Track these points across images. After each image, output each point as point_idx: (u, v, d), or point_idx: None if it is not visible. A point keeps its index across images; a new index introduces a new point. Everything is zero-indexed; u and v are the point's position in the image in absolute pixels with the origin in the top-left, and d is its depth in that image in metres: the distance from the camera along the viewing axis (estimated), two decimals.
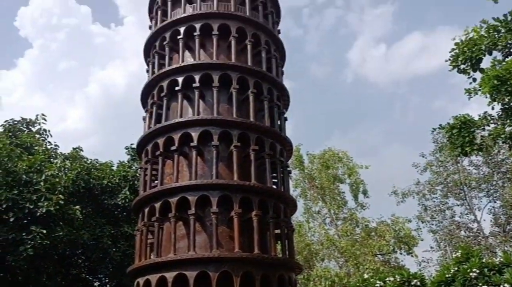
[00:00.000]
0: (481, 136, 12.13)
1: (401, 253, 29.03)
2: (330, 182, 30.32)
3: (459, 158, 26.44)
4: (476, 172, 27.44)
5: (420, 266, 29.79)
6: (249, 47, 11.97)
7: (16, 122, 18.70)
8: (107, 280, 19.01)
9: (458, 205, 27.98)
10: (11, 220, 13.64)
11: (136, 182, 18.59)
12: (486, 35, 10.75)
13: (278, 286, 7.94)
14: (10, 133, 17.48)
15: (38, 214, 13.84)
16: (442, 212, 28.35)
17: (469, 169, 27.75)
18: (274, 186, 9.83)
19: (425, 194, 29.10)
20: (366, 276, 18.06)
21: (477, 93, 11.12)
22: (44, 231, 13.53)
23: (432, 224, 29.15)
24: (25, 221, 14.00)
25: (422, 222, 29.25)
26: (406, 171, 35.24)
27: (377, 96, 72.22)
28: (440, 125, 12.03)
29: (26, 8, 68.64)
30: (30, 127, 19.21)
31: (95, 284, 19.86)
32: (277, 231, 9.03)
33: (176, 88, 11.21)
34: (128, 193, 18.73)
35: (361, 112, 68.71)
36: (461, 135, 11.16)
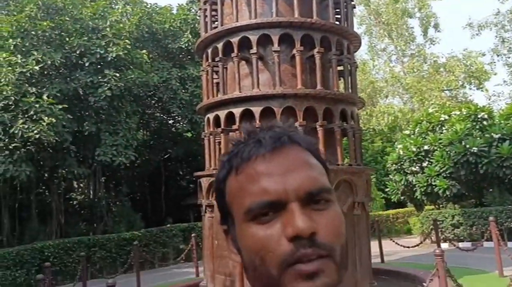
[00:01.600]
0: None
1: (470, 88, 28.18)
2: (398, 16, 28.44)
3: None
4: None
5: (489, 100, 28.97)
6: None
7: None
8: (179, 118, 20.60)
9: None
10: (86, 65, 14.66)
11: (196, 25, 18.55)
12: None
13: (341, 120, 8.20)
14: None
15: (109, 58, 14.64)
16: None
17: None
18: (337, 22, 9.43)
19: (505, 25, 26.72)
20: (430, 110, 18.07)
21: None
22: (117, 74, 14.50)
23: (509, 57, 27.35)
24: (99, 66, 14.96)
25: (498, 55, 27.51)
26: (484, 0, 31.86)
27: None
28: None
29: None
30: None
31: (169, 121, 21.71)
32: (340, 68, 8.95)
33: None
34: (190, 36, 18.91)
35: None
36: None
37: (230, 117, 8.05)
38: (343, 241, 0.71)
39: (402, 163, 16.62)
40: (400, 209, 20.49)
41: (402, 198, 18.00)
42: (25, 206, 16.71)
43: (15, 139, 12.60)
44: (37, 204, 16.78)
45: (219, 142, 8.57)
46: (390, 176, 18.05)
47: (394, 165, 17.11)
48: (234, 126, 7.87)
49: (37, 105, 12.47)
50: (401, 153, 16.56)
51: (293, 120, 0.88)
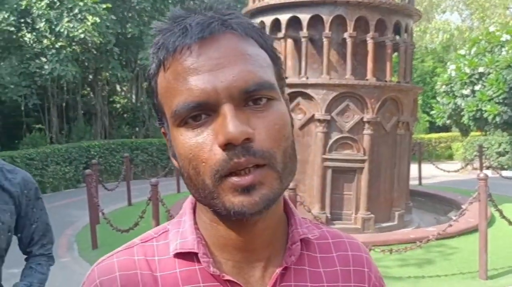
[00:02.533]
0: None
1: None
2: None
3: None
4: None
5: None
6: None
7: None
8: None
9: None
10: None
11: None
12: None
13: (393, 33, 7.65)
14: None
15: None
16: None
17: None
18: None
19: None
20: (491, 29, 16.70)
21: None
22: None
23: None
24: None
25: None
26: None
27: None
28: None
29: None
30: None
31: None
32: None
33: None
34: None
35: None
36: None
37: (276, 24, 7.65)
38: (287, 145, 0.63)
39: (452, 85, 15.77)
40: (444, 133, 19.92)
41: (447, 122, 17.35)
42: (72, 106, 17.31)
43: (61, 39, 12.70)
44: (83, 105, 17.34)
45: None
46: (438, 98, 17.29)
47: (443, 87, 16.29)
48: (280, 34, 7.51)
49: (81, 4, 12.35)
50: (453, 74, 15.65)
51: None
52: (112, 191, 9.33)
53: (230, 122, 0.58)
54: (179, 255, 0.67)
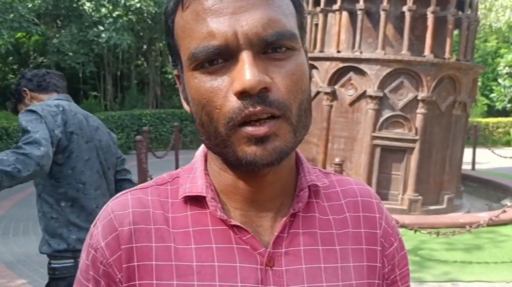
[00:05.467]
0: None
1: None
2: None
3: None
4: None
5: None
6: None
7: None
8: None
9: None
10: None
11: None
12: None
13: (456, 7, 7.24)
14: None
15: None
16: None
17: None
18: None
19: None
20: None
21: None
22: None
23: None
24: None
25: None
26: None
27: None
28: None
29: None
30: None
31: None
32: None
33: None
34: None
35: None
36: None
37: None
38: (303, 98, 0.61)
39: None
40: (503, 118, 18.88)
41: (508, 106, 16.47)
42: (126, 75, 17.82)
43: (118, 8, 13.00)
44: (137, 75, 17.82)
45: (316, 24, 8.08)
46: (500, 81, 16.40)
47: (507, 68, 15.40)
48: (335, 6, 7.30)
49: None
50: None
51: None
52: (161, 159, 9.60)
53: (248, 70, 0.56)
54: (190, 199, 0.68)
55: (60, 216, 2.13)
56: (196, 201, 0.68)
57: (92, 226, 0.70)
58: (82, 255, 0.70)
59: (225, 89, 0.58)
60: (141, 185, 0.73)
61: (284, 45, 0.59)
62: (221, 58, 0.58)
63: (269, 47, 0.58)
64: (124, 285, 0.66)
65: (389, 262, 0.75)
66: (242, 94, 0.56)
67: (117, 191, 2.32)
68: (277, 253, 0.66)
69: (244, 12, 0.57)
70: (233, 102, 0.57)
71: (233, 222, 0.66)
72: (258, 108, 0.57)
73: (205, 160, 0.72)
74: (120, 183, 2.47)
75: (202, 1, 0.58)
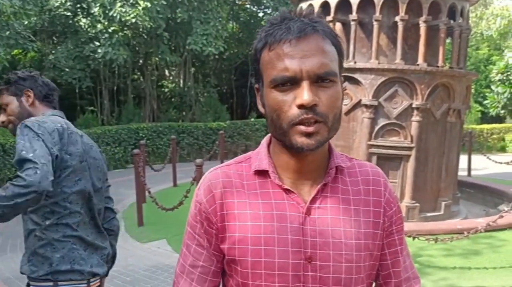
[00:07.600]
0: None
1: None
2: None
3: None
4: None
5: None
6: None
7: None
8: (269, 11, 20.00)
9: None
10: None
11: None
12: None
13: (448, 17, 7.36)
14: None
15: None
16: None
17: None
18: None
19: None
20: None
21: None
22: None
23: None
24: None
25: None
26: None
27: None
28: None
29: None
30: None
31: (259, 14, 21.18)
32: None
33: None
34: None
35: None
36: None
37: (325, 7, 7.55)
38: (337, 111, 0.96)
39: (509, 73, 15.05)
40: (497, 124, 19.02)
41: (502, 112, 16.61)
42: (123, 90, 17.88)
43: (114, 24, 13.09)
44: (133, 89, 17.87)
45: None
46: (492, 87, 16.55)
47: (499, 75, 15.57)
48: (329, 18, 7.40)
49: None
50: (510, 61, 14.91)
51: (314, 11, 0.97)
52: (158, 172, 9.61)
53: (306, 93, 0.92)
54: (258, 173, 1.06)
55: (43, 234, 2.04)
56: (262, 173, 1.05)
57: (196, 189, 1.09)
58: (192, 207, 1.09)
59: (290, 102, 0.94)
60: (226, 162, 1.11)
61: (329, 79, 0.95)
62: (290, 83, 0.93)
63: (320, 79, 0.94)
64: (219, 224, 1.04)
65: (389, 220, 1.09)
66: (301, 107, 0.92)
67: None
68: (312, 207, 1.02)
69: (307, 57, 0.93)
70: (295, 110, 0.93)
71: (285, 186, 1.03)
72: (310, 115, 0.92)
73: (267, 146, 1.08)
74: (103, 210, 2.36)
75: (283, 48, 0.94)
